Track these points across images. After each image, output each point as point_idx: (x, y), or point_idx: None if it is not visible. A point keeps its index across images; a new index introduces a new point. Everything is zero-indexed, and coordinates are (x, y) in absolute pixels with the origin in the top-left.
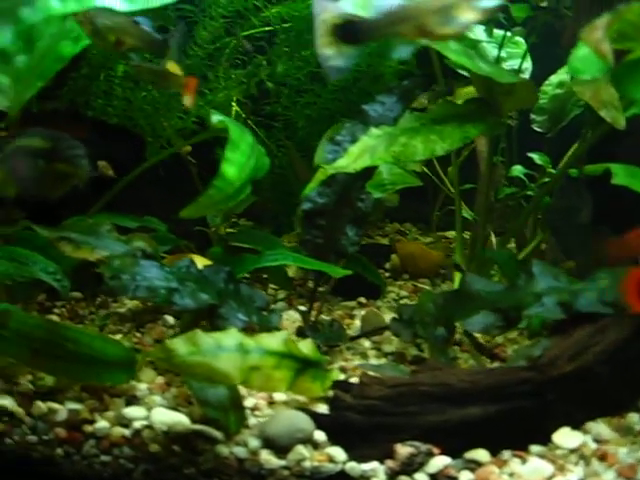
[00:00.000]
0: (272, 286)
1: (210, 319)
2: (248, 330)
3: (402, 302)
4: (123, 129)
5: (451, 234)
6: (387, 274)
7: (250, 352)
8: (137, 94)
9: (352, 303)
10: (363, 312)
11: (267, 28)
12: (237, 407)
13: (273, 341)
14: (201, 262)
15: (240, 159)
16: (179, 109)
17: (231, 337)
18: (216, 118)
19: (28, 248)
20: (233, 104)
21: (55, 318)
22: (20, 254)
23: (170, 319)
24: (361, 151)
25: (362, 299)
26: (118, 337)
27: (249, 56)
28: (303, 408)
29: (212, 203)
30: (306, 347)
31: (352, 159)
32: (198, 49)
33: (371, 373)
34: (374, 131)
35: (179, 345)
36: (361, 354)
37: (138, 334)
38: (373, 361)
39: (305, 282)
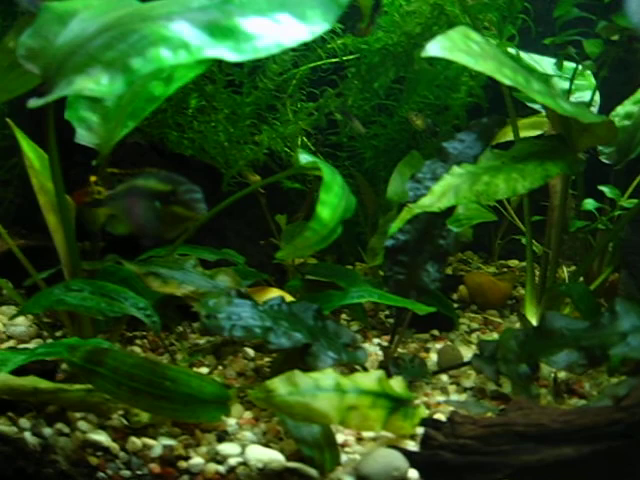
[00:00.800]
0: (343, 317)
1: (302, 357)
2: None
3: (474, 335)
4: (200, 162)
5: (513, 263)
6: (455, 305)
7: (347, 392)
8: (211, 127)
9: (425, 336)
10: (438, 345)
11: (333, 60)
12: (331, 445)
13: (368, 381)
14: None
15: (333, 201)
16: (251, 141)
17: (328, 377)
18: (305, 158)
19: (111, 281)
20: (302, 136)
21: (137, 349)
22: (110, 289)
23: (250, 352)
24: (444, 190)
25: (435, 332)
26: (203, 370)
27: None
28: (394, 446)
29: (308, 245)
30: (397, 385)
31: (436, 198)
32: (268, 81)
33: (460, 411)
34: (456, 169)
35: (279, 385)
36: (441, 389)
37: (220, 366)
38: (454, 397)
39: (376, 313)
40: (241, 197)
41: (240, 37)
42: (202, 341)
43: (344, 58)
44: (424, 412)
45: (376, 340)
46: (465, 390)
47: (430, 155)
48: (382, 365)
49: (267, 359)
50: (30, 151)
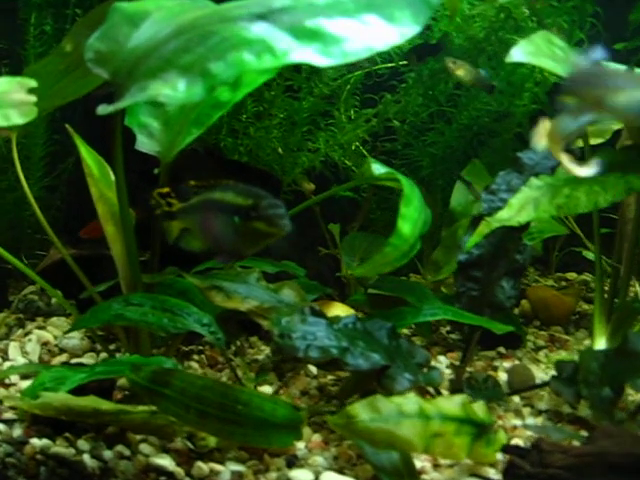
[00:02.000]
0: (405, 331)
1: (378, 379)
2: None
3: (541, 353)
4: (258, 169)
5: (571, 276)
6: None
7: (431, 418)
8: (267, 133)
9: (491, 353)
10: (505, 364)
11: (389, 65)
12: (411, 473)
13: (452, 405)
14: (346, 312)
15: (413, 214)
16: (308, 148)
17: (411, 402)
18: (379, 169)
19: (169, 293)
20: (357, 143)
21: (194, 365)
22: (172, 304)
23: (313, 369)
24: (523, 203)
25: (501, 349)
26: (266, 389)
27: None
28: (477, 474)
29: (387, 262)
30: (480, 410)
31: (514, 211)
32: (323, 86)
33: (539, 436)
34: (534, 182)
35: (360, 411)
36: (515, 412)
37: (282, 384)
38: (529, 420)
39: (437, 328)
40: (291, 206)
41: (327, 40)
42: (261, 357)
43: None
44: (504, 437)
45: (441, 358)
46: (540, 413)
47: (492, 164)
48: (454, 386)
49: (330, 377)
50: (89, 158)
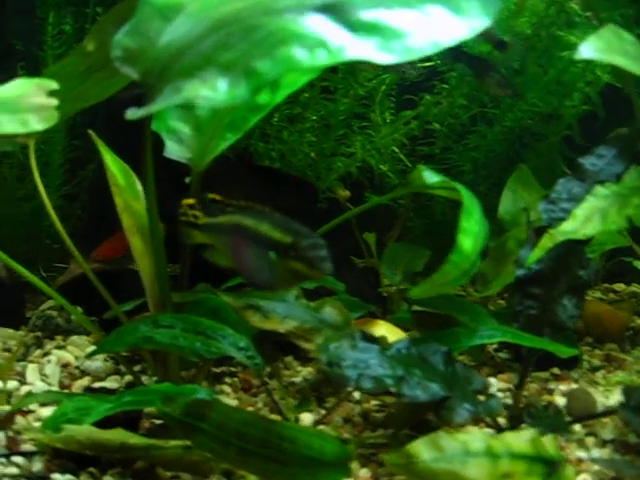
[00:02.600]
0: None
1: (435, 410)
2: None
3: (599, 374)
4: (292, 176)
5: (619, 287)
6: None
7: (500, 457)
8: (301, 137)
9: (545, 374)
10: (561, 387)
11: (427, 64)
12: None
13: (521, 442)
14: (391, 331)
15: (474, 228)
16: (344, 153)
17: (478, 439)
18: (431, 177)
19: (199, 312)
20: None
21: (227, 389)
22: (206, 326)
23: (356, 393)
24: (589, 214)
25: (556, 370)
26: (306, 417)
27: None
28: None
29: (447, 281)
30: (550, 445)
31: (580, 223)
32: (358, 87)
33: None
34: (600, 190)
35: (422, 450)
36: (578, 442)
37: (322, 410)
38: (594, 452)
39: (484, 347)
40: (327, 214)
41: (388, 34)
42: (298, 379)
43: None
44: (573, 474)
45: (491, 380)
46: (605, 443)
47: (538, 169)
48: (512, 414)
49: (374, 402)
50: (114, 166)
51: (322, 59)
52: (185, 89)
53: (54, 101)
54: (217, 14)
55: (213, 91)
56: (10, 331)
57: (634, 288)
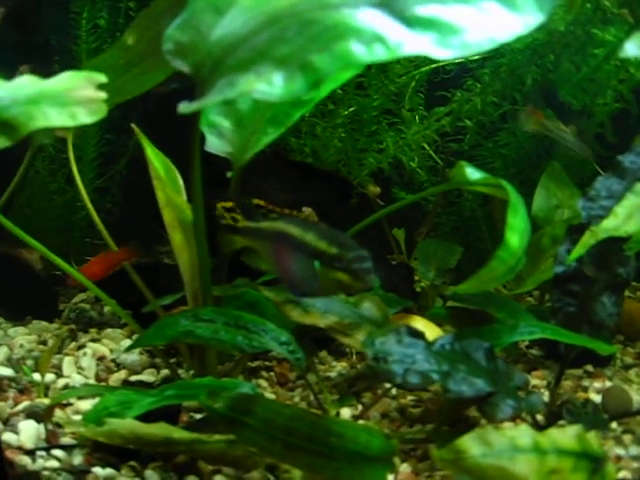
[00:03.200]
0: None
1: (479, 406)
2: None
3: (632, 372)
4: (327, 172)
5: None
6: None
7: (547, 453)
8: (333, 134)
9: (578, 371)
10: (596, 384)
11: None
12: None
13: (567, 438)
14: (428, 327)
15: (520, 225)
16: (375, 149)
17: (525, 435)
18: (473, 173)
19: (236, 306)
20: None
21: (263, 383)
22: (248, 320)
23: (393, 389)
24: (630, 211)
25: (589, 367)
26: (345, 412)
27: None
28: None
29: (494, 277)
30: (594, 442)
31: (621, 220)
32: (389, 82)
33: None
34: None
35: (470, 445)
36: (615, 439)
37: (359, 405)
38: (632, 449)
39: (516, 343)
40: (357, 210)
41: (444, 29)
42: (333, 374)
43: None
44: (615, 471)
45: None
46: None
47: (569, 166)
48: (550, 410)
49: (410, 397)
50: (156, 160)
51: (380, 55)
52: (240, 83)
53: (102, 94)
54: (271, 8)
55: (269, 85)
56: (44, 324)
57: None
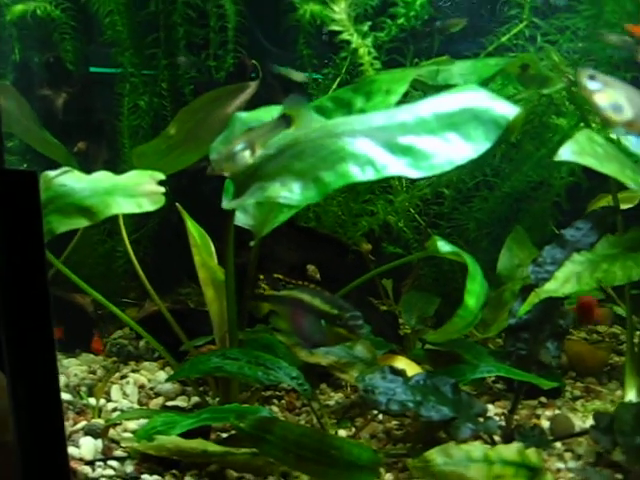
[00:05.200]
0: None
1: (445, 429)
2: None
3: (578, 402)
4: (330, 236)
5: (602, 328)
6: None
7: (494, 463)
8: (333, 201)
9: (534, 402)
10: (547, 412)
11: None
12: None
13: (510, 452)
14: (409, 365)
15: (477, 289)
16: (368, 213)
17: (478, 449)
18: (445, 247)
19: (254, 347)
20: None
21: (275, 409)
22: (266, 359)
23: (380, 415)
24: (567, 276)
25: (543, 399)
26: (341, 433)
27: None
28: None
29: (456, 330)
30: (533, 456)
31: (560, 284)
32: None
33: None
34: (576, 257)
35: (436, 456)
36: (558, 456)
37: (353, 428)
38: (571, 464)
39: (484, 379)
40: (353, 265)
41: (417, 155)
42: (331, 402)
43: None
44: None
45: (489, 406)
46: (579, 457)
47: (532, 228)
48: (505, 433)
49: (394, 422)
50: (195, 230)
51: (370, 175)
52: (269, 189)
53: (162, 188)
54: (291, 134)
55: (290, 192)
56: (92, 356)
57: (614, 329)
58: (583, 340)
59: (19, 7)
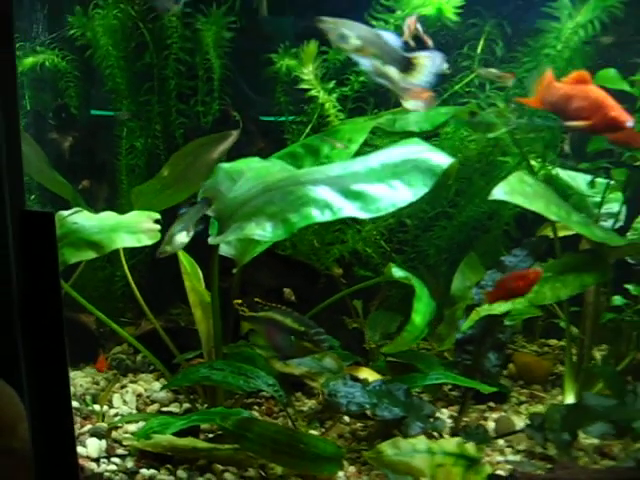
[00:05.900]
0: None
1: (397, 426)
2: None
3: (523, 407)
4: (303, 263)
5: (552, 342)
6: (506, 380)
7: (436, 453)
8: (308, 231)
9: (483, 407)
10: (494, 415)
11: None
12: None
13: (450, 445)
14: (372, 375)
15: (423, 308)
16: (338, 242)
17: (422, 443)
18: (398, 273)
19: (237, 359)
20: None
21: (255, 413)
22: (247, 369)
23: (346, 417)
24: None
25: (491, 404)
26: (312, 433)
27: None
28: None
29: (404, 343)
30: (471, 449)
31: (496, 303)
32: None
33: (517, 469)
34: None
35: (386, 448)
36: (499, 451)
37: (323, 429)
38: (510, 457)
39: (441, 386)
40: (325, 288)
41: (367, 199)
42: (305, 408)
43: None
44: (489, 469)
45: (444, 410)
46: (518, 452)
47: (485, 253)
48: (453, 432)
49: (359, 424)
50: (185, 259)
51: (328, 216)
52: (246, 228)
53: (157, 226)
54: (265, 182)
55: (263, 231)
56: (95, 370)
57: (563, 343)
58: (532, 352)
59: (30, 59)
